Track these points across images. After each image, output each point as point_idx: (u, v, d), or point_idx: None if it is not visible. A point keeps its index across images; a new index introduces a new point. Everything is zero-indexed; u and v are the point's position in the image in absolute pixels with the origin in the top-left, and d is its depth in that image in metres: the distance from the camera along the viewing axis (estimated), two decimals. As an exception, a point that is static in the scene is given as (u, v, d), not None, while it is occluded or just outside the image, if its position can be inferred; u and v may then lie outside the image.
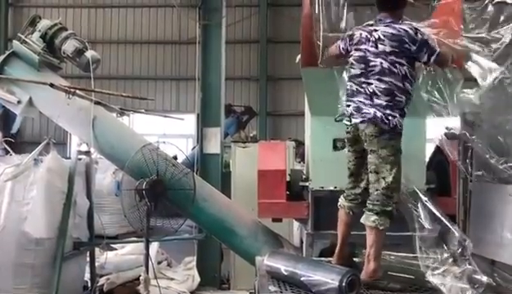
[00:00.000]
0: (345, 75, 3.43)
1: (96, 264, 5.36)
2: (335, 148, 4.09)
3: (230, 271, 6.38)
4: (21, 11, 16.62)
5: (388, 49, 3.04)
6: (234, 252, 4.87)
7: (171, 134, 15.31)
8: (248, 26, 15.99)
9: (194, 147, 14.26)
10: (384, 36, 3.06)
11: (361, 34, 3.20)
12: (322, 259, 3.73)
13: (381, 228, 3.00)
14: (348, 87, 3.23)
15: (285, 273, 2.99)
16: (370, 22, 3.26)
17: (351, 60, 3.23)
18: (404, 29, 3.06)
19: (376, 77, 3.07)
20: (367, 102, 3.07)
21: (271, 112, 15.97)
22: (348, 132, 3.24)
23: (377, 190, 3.03)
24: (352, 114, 3.17)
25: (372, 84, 3.07)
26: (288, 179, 4.36)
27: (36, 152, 4.39)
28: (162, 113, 8.43)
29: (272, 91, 16.04)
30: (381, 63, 3.04)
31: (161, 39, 16.35)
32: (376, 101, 3.05)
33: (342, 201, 3.32)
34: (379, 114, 3.02)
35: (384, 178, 3.01)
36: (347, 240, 3.30)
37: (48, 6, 16.30)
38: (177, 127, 15.29)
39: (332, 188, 4.09)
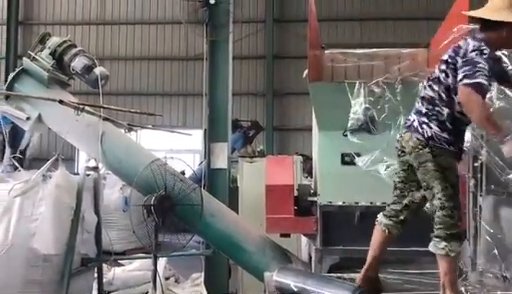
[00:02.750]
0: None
1: (104, 280, 5.33)
2: (344, 162, 4.08)
3: (238, 287, 6.32)
4: (31, 29, 16.85)
5: (445, 57, 2.88)
6: (242, 268, 4.83)
7: (178, 149, 15.33)
8: (254, 42, 16.10)
9: (201, 162, 14.28)
10: (455, 46, 2.88)
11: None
12: (332, 275, 3.70)
13: (452, 254, 2.80)
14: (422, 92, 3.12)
15: (295, 289, 2.96)
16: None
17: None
18: (468, 42, 2.79)
19: (430, 83, 2.95)
20: (416, 106, 2.98)
21: (278, 127, 15.99)
22: (397, 140, 3.10)
23: (438, 212, 2.84)
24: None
25: (426, 89, 2.96)
26: (296, 194, 4.35)
27: (45, 168, 4.41)
28: (169, 129, 8.45)
29: (279, 106, 16.08)
30: (437, 70, 2.92)
31: (168, 55, 16.50)
32: (419, 107, 2.94)
33: (381, 217, 3.15)
34: (415, 124, 2.91)
35: (437, 195, 2.84)
36: (377, 261, 3.13)
37: (57, 23, 16.53)
38: (184, 143, 15.32)
39: (341, 203, 4.08)
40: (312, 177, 6.55)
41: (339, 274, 3.71)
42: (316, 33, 4.27)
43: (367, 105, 3.97)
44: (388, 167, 3.88)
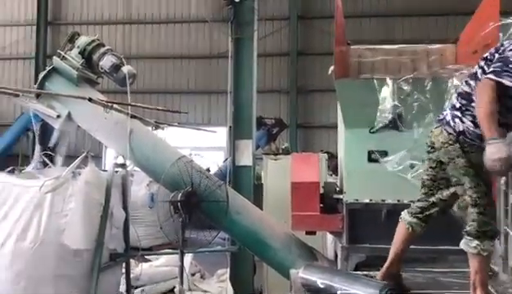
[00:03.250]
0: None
1: (132, 275, 5.41)
2: (370, 160, 4.05)
3: (263, 284, 6.35)
4: (59, 29, 17.21)
5: (486, 54, 2.84)
6: (267, 265, 4.84)
7: (202, 147, 15.47)
8: (278, 39, 16.09)
9: (225, 159, 14.35)
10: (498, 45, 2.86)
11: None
12: (358, 273, 3.68)
13: (484, 254, 2.76)
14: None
15: (321, 287, 2.96)
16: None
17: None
18: (510, 42, 2.76)
19: (467, 79, 2.90)
20: (452, 101, 2.96)
21: (302, 124, 15.95)
22: (429, 136, 3.06)
23: (470, 209, 2.80)
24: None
25: (463, 85, 2.92)
26: (321, 191, 4.34)
27: (75, 165, 4.49)
28: (195, 127, 8.53)
29: (303, 103, 16.03)
30: (477, 66, 2.87)
31: (193, 54, 16.63)
32: (455, 101, 2.90)
33: (404, 214, 3.11)
34: (448, 117, 2.87)
35: (469, 192, 2.80)
36: (399, 258, 3.11)
37: (84, 23, 16.85)
38: (209, 140, 15.46)
39: (367, 200, 4.06)
40: (336, 175, 6.52)
41: (365, 272, 3.69)
42: (342, 30, 4.24)
43: (396, 102, 3.93)
44: (413, 167, 3.84)
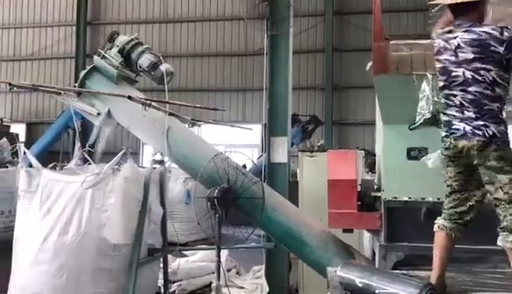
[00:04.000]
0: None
1: (169, 270, 5.50)
2: (410, 157, 3.97)
3: (298, 281, 6.32)
4: (97, 29, 17.64)
5: (470, 56, 2.80)
6: (303, 262, 4.82)
7: (237, 144, 15.55)
8: (313, 35, 15.97)
9: (260, 156, 14.38)
10: (464, 42, 2.83)
11: (439, 43, 3.00)
12: (397, 271, 3.61)
13: None
14: (442, 100, 3.07)
15: (360, 285, 2.92)
16: (448, 28, 3.03)
17: (436, 71, 3.07)
18: (486, 32, 2.79)
19: (460, 88, 2.86)
20: (458, 115, 2.88)
21: (337, 121, 15.80)
22: (446, 148, 3.00)
23: (506, 205, 2.76)
24: (448, 126, 2.99)
25: (457, 96, 2.88)
26: (359, 189, 4.28)
27: (114, 161, 4.60)
28: (230, 124, 8.57)
29: (338, 99, 15.87)
30: (463, 72, 2.83)
31: (228, 51, 16.73)
32: (466, 114, 2.85)
33: (442, 221, 3.03)
34: (468, 128, 2.82)
35: (501, 188, 2.75)
36: (446, 268, 3.03)
37: (122, 22, 17.19)
38: (243, 138, 15.53)
39: (406, 198, 3.97)
40: (373, 172, 6.42)
41: (404, 271, 3.62)
42: (380, 25, 4.14)
43: (435, 98, 3.83)
44: None
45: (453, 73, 2.89)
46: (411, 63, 4.28)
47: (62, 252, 4.39)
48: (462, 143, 2.86)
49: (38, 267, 4.40)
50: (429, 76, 3.78)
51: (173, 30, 17.18)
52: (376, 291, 2.77)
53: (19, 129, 17.35)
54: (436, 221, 3.07)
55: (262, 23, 6.83)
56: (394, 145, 4.03)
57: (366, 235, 5.99)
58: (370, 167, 7.32)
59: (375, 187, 4.36)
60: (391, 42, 4.42)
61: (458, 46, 2.86)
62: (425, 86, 3.82)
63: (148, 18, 17.39)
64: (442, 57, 2.96)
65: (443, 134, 3.01)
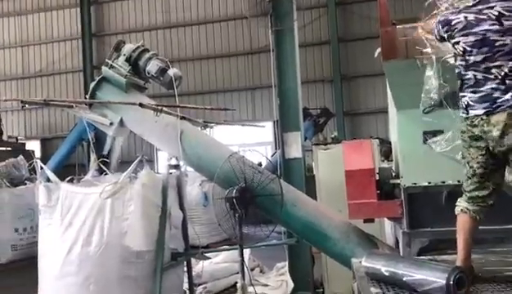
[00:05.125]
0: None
1: (193, 273, 5.52)
2: (426, 141, 3.92)
3: (323, 275, 6.30)
4: (103, 40, 17.77)
5: None
6: (327, 256, 4.80)
7: (250, 143, 15.56)
8: (317, 28, 15.91)
9: (273, 153, 14.36)
10: (507, 10, 2.71)
11: (466, 18, 2.86)
12: (422, 258, 3.58)
13: None
14: (471, 77, 2.88)
15: (386, 274, 2.89)
16: (468, 3, 2.90)
17: (461, 47, 2.89)
18: None
19: (507, 57, 2.72)
20: (501, 87, 2.73)
21: (348, 111, 15.72)
22: (471, 125, 2.87)
23: None
24: (469, 106, 2.86)
25: (503, 66, 2.73)
26: (377, 177, 4.24)
27: (131, 169, 4.62)
28: (242, 123, 8.57)
29: (348, 90, 15.80)
30: (511, 40, 2.69)
31: (233, 51, 16.74)
32: (510, 83, 2.71)
33: (465, 204, 2.95)
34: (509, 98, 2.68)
35: None
36: (471, 250, 2.95)
37: (126, 32, 17.30)
38: (255, 136, 15.52)
39: (426, 183, 3.93)
40: (388, 160, 6.36)
41: (429, 257, 3.58)
42: (386, 10, 4.11)
43: (442, 82, 3.77)
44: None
45: (498, 43, 2.75)
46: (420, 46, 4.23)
47: (87, 263, 4.42)
48: (498, 116, 2.73)
49: (65, 279, 4.44)
50: (433, 59, 3.73)
51: (177, 35, 17.24)
52: (404, 279, 2.74)
53: (34, 146, 17.58)
54: (458, 204, 2.99)
55: (266, 19, 6.82)
56: (409, 131, 3.99)
57: (388, 223, 5.96)
58: (386, 155, 7.26)
59: (393, 174, 4.32)
60: (398, 27, 4.38)
61: (501, 15, 2.74)
62: (430, 70, 3.77)
63: (151, 25, 17.47)
64: (477, 30, 2.81)
65: (479, 112, 2.84)
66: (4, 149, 14.14)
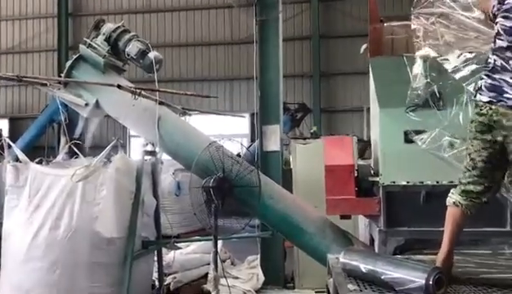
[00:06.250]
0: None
1: (163, 263, 5.41)
2: (407, 140, 3.91)
3: (294, 269, 6.28)
4: (80, 20, 17.29)
5: None
6: (301, 250, 4.77)
7: (226, 134, 15.43)
8: (299, 22, 15.87)
9: (249, 146, 14.27)
10: None
11: None
12: (399, 256, 3.57)
13: None
14: (491, 61, 2.73)
15: (364, 271, 2.85)
16: None
17: (497, 28, 2.73)
18: None
19: None
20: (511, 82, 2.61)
21: (325, 108, 15.76)
22: (479, 114, 2.72)
23: None
24: (480, 89, 2.73)
25: None
26: (355, 174, 4.22)
27: (105, 152, 4.47)
28: (223, 112, 8.44)
29: (326, 87, 15.83)
30: None
31: (213, 40, 16.53)
32: None
33: (458, 198, 2.82)
34: None
35: None
36: (454, 244, 2.86)
37: (105, 13, 16.83)
38: (232, 128, 15.41)
39: (404, 182, 3.93)
40: (363, 158, 6.36)
41: (406, 256, 3.57)
42: (375, 6, 4.09)
43: (428, 80, 3.76)
44: (452, 145, 3.67)
45: None
46: (407, 44, 4.22)
47: (54, 248, 4.26)
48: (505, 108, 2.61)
49: (30, 264, 4.27)
50: (420, 58, 3.71)
51: (157, 20, 16.91)
52: (382, 277, 2.70)
53: (2, 124, 17.01)
54: (450, 195, 2.86)
55: (251, 9, 6.72)
56: (391, 129, 3.98)
57: (362, 220, 5.97)
58: (360, 152, 7.28)
59: (372, 172, 4.31)
60: (386, 24, 4.37)
61: None
62: (417, 68, 3.76)
63: (131, 8, 17.09)
64: None
65: (484, 99, 2.71)
66: (-30, 126, 13.63)
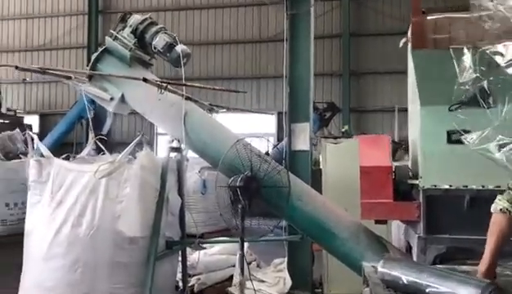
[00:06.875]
0: None
1: (187, 263, 5.23)
2: (450, 141, 3.63)
3: (323, 275, 6.02)
4: (110, 17, 17.38)
5: None
6: (332, 256, 4.50)
7: (251, 133, 15.24)
8: (329, 20, 15.55)
9: (275, 145, 14.04)
10: None
11: None
12: (440, 266, 3.29)
13: None
14: None
15: (406, 283, 2.59)
16: None
17: None
18: None
19: None
20: None
21: (355, 108, 15.40)
22: None
23: None
24: None
25: None
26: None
27: (130, 148, 4.32)
28: (251, 109, 8.23)
29: (356, 86, 15.47)
30: None
31: (241, 38, 16.37)
32: None
33: (506, 204, 2.60)
34: None
35: None
36: (498, 257, 2.65)
37: (134, 11, 16.79)
38: (258, 127, 15.21)
39: (447, 186, 3.65)
40: (394, 159, 6.05)
41: (449, 267, 3.28)
42: (418, -3, 3.80)
43: (477, 75, 3.47)
44: (502, 146, 3.38)
45: None
46: (450, 37, 3.92)
47: (76, 246, 4.13)
48: None
49: (51, 262, 4.15)
50: (470, 50, 3.42)
51: (186, 18, 16.86)
52: (427, 290, 2.44)
53: (32, 120, 17.25)
54: (497, 201, 2.63)
55: (281, 5, 6.48)
56: (433, 128, 3.69)
57: (395, 225, 5.67)
58: (393, 154, 6.98)
59: (411, 174, 4.03)
60: (429, 17, 4.07)
61: None
62: (465, 62, 3.47)
63: (160, 5, 17.10)
64: None
65: None
66: (2, 121, 13.83)
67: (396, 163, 4.98)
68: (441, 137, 3.65)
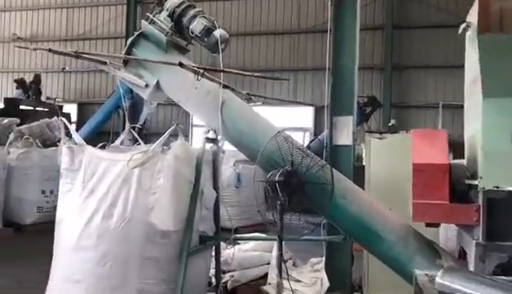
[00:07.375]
0: None
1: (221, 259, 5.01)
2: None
3: (362, 276, 5.69)
4: (148, 7, 17.31)
5: None
6: (379, 260, 4.18)
7: (288, 127, 14.97)
8: (372, 11, 15.02)
9: (312, 140, 13.69)
10: None
11: None
12: (502, 277, 2.93)
13: None
14: None
15: (471, 299, 2.27)
16: None
17: None
18: None
19: None
20: None
21: (396, 103, 14.85)
22: None
23: None
24: None
25: None
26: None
27: (164, 138, 4.11)
28: (291, 100, 7.92)
29: (398, 80, 14.90)
30: None
31: (279, 30, 16.05)
32: None
33: None
34: None
35: None
36: None
37: (172, 0, 16.79)
38: (295, 120, 14.88)
39: (511, 188, 3.26)
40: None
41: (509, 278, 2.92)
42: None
43: None
44: None
45: None
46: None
47: (106, 238, 3.96)
48: None
49: (81, 253, 3.99)
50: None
51: (224, 8, 16.66)
52: (497, 309, 2.11)
53: (71, 109, 17.50)
54: None
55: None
56: (497, 123, 3.30)
57: (444, 228, 5.27)
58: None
59: (468, 174, 3.66)
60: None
61: None
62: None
63: (198, -4, 16.96)
64: None
65: None
66: (41, 109, 14.03)
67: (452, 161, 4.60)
68: (505, 133, 3.27)
